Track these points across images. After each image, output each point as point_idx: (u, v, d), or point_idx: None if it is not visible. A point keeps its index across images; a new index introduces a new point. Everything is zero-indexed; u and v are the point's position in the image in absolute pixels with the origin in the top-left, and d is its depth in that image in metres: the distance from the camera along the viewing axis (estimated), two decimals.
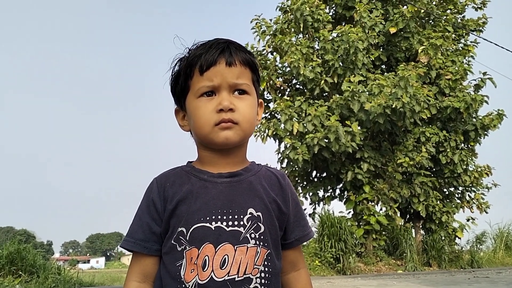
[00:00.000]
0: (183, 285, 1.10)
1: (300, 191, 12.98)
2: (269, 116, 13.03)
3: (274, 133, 11.81)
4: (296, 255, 1.29)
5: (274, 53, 13.23)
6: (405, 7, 12.65)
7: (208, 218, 1.12)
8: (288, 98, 12.19)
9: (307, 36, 12.81)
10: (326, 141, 11.05)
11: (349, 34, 11.50)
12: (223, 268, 1.09)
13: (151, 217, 1.18)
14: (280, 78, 13.20)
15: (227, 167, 1.21)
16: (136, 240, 1.18)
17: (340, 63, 11.98)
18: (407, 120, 11.24)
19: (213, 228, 1.12)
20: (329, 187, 12.80)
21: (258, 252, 1.13)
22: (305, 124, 11.24)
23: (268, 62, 13.09)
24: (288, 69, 12.80)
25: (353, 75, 11.55)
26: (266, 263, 1.14)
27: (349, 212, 12.16)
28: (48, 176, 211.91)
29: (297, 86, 13.44)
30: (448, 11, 13.71)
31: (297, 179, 12.98)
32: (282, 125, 11.73)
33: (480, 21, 13.69)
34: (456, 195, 13.29)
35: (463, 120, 12.54)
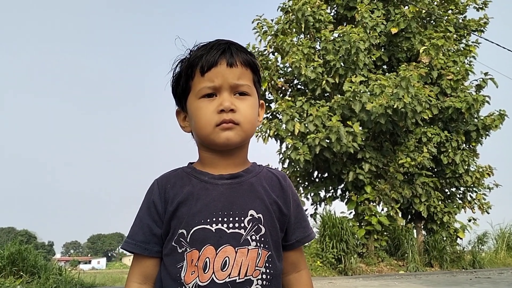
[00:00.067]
0: (183, 287, 1.10)
1: (302, 191, 12.97)
2: (270, 117, 13.02)
3: (276, 133, 11.80)
4: (297, 256, 1.28)
5: (276, 54, 13.24)
6: (406, 7, 12.65)
7: (208, 220, 1.12)
8: (289, 99, 12.19)
9: (309, 36, 12.82)
10: (328, 141, 11.04)
11: (351, 35, 11.49)
12: (224, 270, 1.09)
13: (152, 218, 1.17)
14: (281, 78, 13.20)
15: (228, 169, 1.21)
16: (137, 241, 1.17)
17: (342, 64, 11.97)
18: (408, 121, 11.23)
19: (214, 230, 1.11)
20: (330, 187, 12.79)
21: (259, 254, 1.12)
22: (306, 125, 11.24)
23: (270, 62, 13.09)
24: (289, 69, 12.81)
25: (354, 76, 11.54)
26: (267, 264, 1.14)
27: (351, 212, 12.16)
28: (49, 177, 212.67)
29: (299, 86, 13.44)
30: (450, 11, 13.70)
31: (298, 179, 12.97)
32: (284, 126, 11.72)
33: (481, 21, 13.69)
34: (458, 196, 13.26)
35: (464, 120, 12.52)
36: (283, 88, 13.22)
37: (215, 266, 1.09)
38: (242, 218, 1.13)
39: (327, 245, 10.82)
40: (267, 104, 13.26)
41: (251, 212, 1.15)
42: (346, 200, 12.46)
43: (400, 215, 12.19)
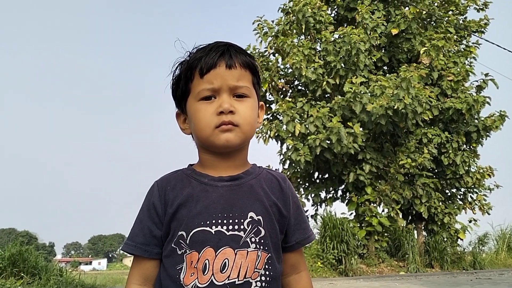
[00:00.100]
0: None
1: (302, 192, 12.97)
2: (271, 117, 13.03)
3: (276, 134, 11.81)
4: (297, 258, 1.28)
5: (276, 55, 13.26)
6: (407, 8, 12.65)
7: (208, 222, 1.12)
8: (290, 100, 12.18)
9: (309, 37, 12.83)
10: (328, 142, 11.04)
11: (351, 36, 11.50)
12: (223, 272, 1.09)
13: (152, 220, 1.18)
14: (282, 79, 13.21)
15: (228, 171, 1.21)
16: (137, 243, 1.18)
17: (342, 65, 11.98)
18: (409, 122, 11.22)
19: (213, 232, 1.12)
20: (331, 188, 12.79)
21: (258, 256, 1.13)
22: (307, 126, 11.24)
23: (270, 63, 13.11)
24: (290, 70, 12.82)
25: (355, 77, 11.55)
26: (266, 266, 1.14)
27: (351, 213, 12.15)
28: (49, 177, 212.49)
29: (299, 87, 13.44)
30: (450, 12, 13.70)
31: (299, 180, 12.97)
32: (284, 127, 11.72)
33: (482, 22, 13.69)
34: (458, 197, 13.26)
35: (465, 121, 12.52)
36: (284, 89, 13.23)
37: (215, 268, 1.09)
38: (242, 220, 1.14)
39: (327, 246, 10.82)
40: (267, 105, 13.28)
41: (251, 214, 1.15)
42: (346, 201, 12.46)
43: (400, 216, 12.18)
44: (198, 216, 1.13)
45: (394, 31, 12.34)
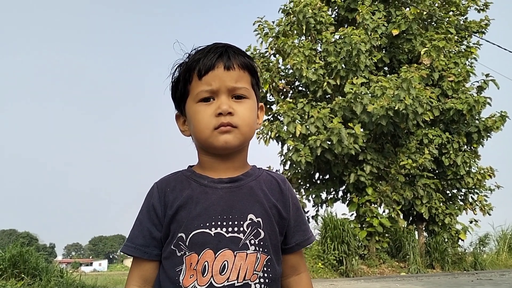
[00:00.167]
0: None
1: (303, 193, 12.97)
2: (271, 118, 13.03)
3: (277, 135, 11.81)
4: (297, 259, 1.28)
5: (277, 55, 13.26)
6: (407, 9, 12.66)
7: (207, 224, 1.12)
8: (290, 100, 12.19)
9: (310, 38, 12.83)
10: (329, 143, 11.04)
11: (352, 36, 11.50)
12: (222, 273, 1.09)
13: (152, 222, 1.18)
14: (282, 80, 13.22)
15: (227, 172, 1.21)
16: (137, 245, 1.18)
17: (343, 65, 11.98)
18: (409, 122, 11.22)
19: (213, 234, 1.11)
20: (332, 189, 12.78)
21: (258, 258, 1.12)
22: (307, 126, 11.24)
23: (271, 64, 13.11)
24: (290, 71, 12.82)
25: (355, 77, 11.55)
26: (266, 269, 1.14)
27: (352, 214, 12.15)
28: (50, 178, 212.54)
29: (300, 88, 13.45)
30: (451, 13, 13.70)
31: (300, 181, 12.97)
32: (285, 127, 11.72)
33: (482, 22, 13.69)
34: (459, 197, 13.26)
35: (466, 122, 12.52)
36: (284, 90, 13.23)
37: (214, 270, 1.09)
38: (241, 222, 1.13)
39: (328, 247, 10.82)
40: (268, 106, 13.29)
41: (250, 216, 1.15)
42: (347, 201, 12.46)
43: (401, 217, 12.17)
44: (198, 218, 1.13)
45: (395, 32, 12.34)
